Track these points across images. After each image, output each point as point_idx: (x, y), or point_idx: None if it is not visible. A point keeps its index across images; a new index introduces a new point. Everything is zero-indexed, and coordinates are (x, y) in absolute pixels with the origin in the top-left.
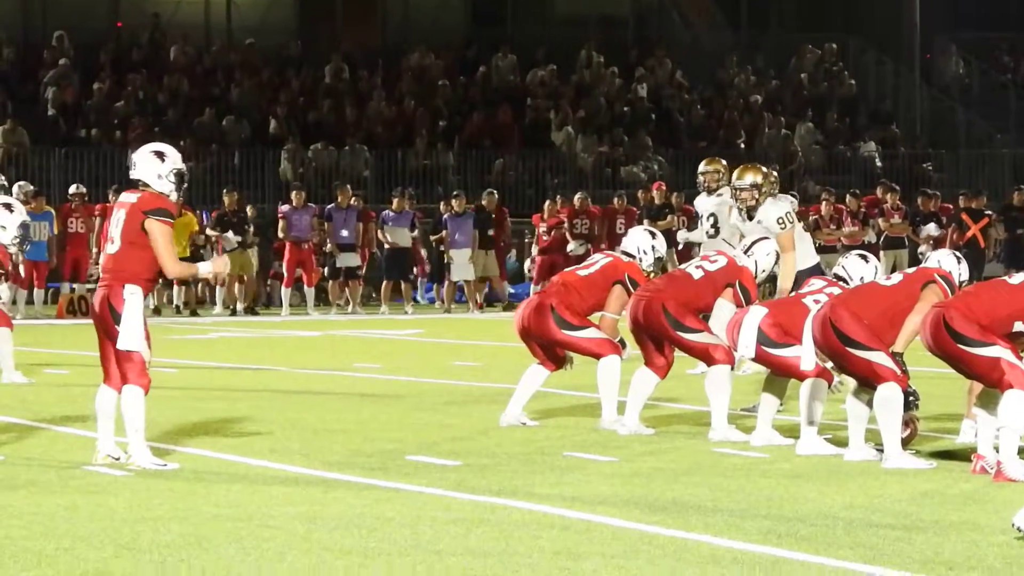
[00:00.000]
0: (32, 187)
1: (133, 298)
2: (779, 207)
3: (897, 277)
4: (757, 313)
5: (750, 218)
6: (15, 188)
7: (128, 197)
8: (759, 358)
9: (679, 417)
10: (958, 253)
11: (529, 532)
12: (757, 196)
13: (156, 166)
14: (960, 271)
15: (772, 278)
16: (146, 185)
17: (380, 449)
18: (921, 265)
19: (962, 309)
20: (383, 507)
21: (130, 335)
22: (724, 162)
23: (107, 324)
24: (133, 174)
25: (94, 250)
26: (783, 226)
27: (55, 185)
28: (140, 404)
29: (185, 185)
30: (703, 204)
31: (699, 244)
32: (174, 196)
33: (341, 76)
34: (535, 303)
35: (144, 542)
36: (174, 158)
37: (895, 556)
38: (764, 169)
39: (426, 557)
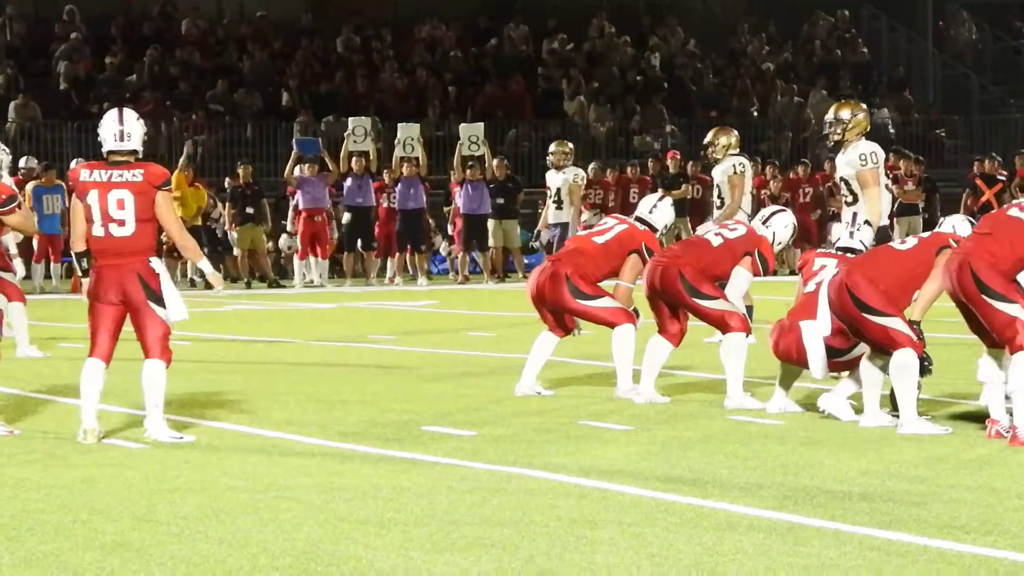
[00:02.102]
0: (36, 162)
1: (163, 270)
2: (866, 145)
3: (912, 241)
4: (814, 330)
5: (836, 151)
6: (22, 161)
7: (124, 175)
8: (833, 369)
9: (694, 385)
10: (972, 219)
11: (545, 501)
12: (843, 132)
13: (143, 129)
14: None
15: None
16: (134, 153)
17: (395, 420)
18: (936, 230)
19: (988, 259)
20: (399, 478)
21: (178, 307)
22: (734, 132)
23: (137, 300)
24: (129, 144)
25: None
26: (864, 163)
27: (67, 159)
28: (164, 378)
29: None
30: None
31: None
32: None
33: (352, 47)
34: (550, 271)
35: (161, 514)
36: None
37: (911, 521)
38: (864, 106)
39: (442, 527)
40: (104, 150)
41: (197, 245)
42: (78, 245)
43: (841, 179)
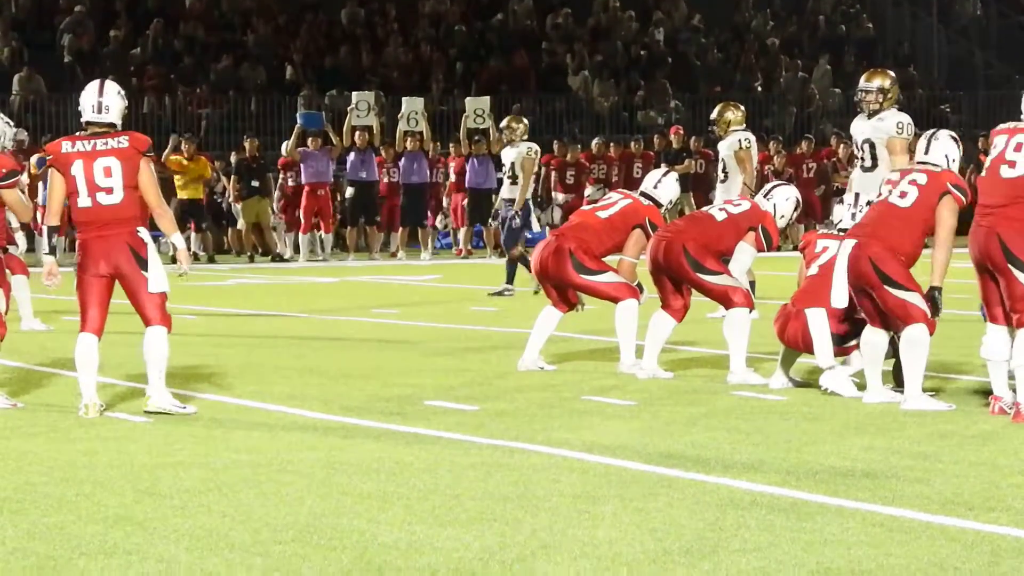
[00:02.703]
0: (26, 133)
1: (150, 240)
2: (903, 116)
3: (912, 194)
4: (820, 316)
5: (870, 118)
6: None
7: (109, 143)
8: (838, 355)
9: (697, 361)
10: (954, 134)
11: (548, 476)
12: (882, 100)
13: (123, 104)
14: (958, 152)
15: None
16: (112, 127)
17: (398, 394)
18: (924, 161)
19: (1016, 227)
20: (402, 452)
21: (161, 277)
22: (740, 107)
23: (128, 270)
24: (108, 118)
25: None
26: (900, 131)
27: (71, 132)
28: (167, 344)
29: None
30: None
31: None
32: None
33: (357, 21)
34: (554, 246)
35: (164, 487)
36: None
37: (914, 498)
38: (892, 75)
39: (445, 501)
40: (83, 120)
41: (173, 217)
42: (51, 219)
43: (865, 142)
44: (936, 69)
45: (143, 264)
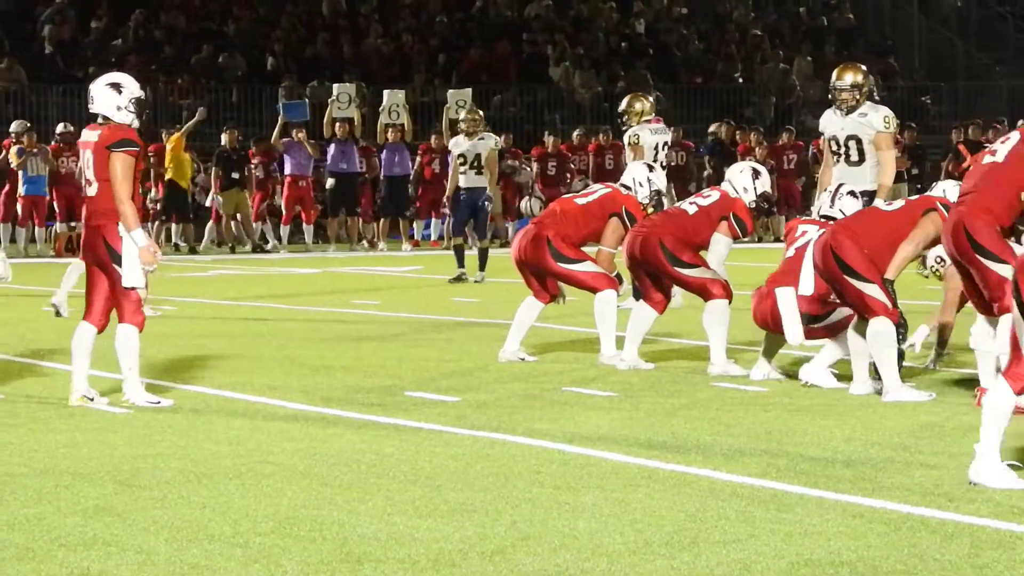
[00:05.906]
0: (27, 123)
1: (129, 234)
2: (886, 109)
3: (899, 203)
4: (788, 296)
5: (848, 113)
6: (13, 125)
7: (90, 136)
8: (811, 336)
9: (678, 352)
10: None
11: (528, 467)
12: (858, 96)
13: (114, 98)
14: None
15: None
16: (106, 119)
17: (379, 385)
18: (926, 194)
19: (983, 217)
20: (382, 443)
21: (132, 272)
22: (649, 97)
23: (102, 262)
24: (93, 108)
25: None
26: (887, 127)
27: (52, 123)
28: (134, 343)
29: (147, 111)
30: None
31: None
32: (135, 124)
33: (338, 11)
34: (532, 233)
35: (144, 478)
36: (131, 87)
37: (894, 489)
38: (863, 68)
39: (425, 492)
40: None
41: (135, 214)
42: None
43: (851, 138)
44: (917, 59)
45: (114, 257)
